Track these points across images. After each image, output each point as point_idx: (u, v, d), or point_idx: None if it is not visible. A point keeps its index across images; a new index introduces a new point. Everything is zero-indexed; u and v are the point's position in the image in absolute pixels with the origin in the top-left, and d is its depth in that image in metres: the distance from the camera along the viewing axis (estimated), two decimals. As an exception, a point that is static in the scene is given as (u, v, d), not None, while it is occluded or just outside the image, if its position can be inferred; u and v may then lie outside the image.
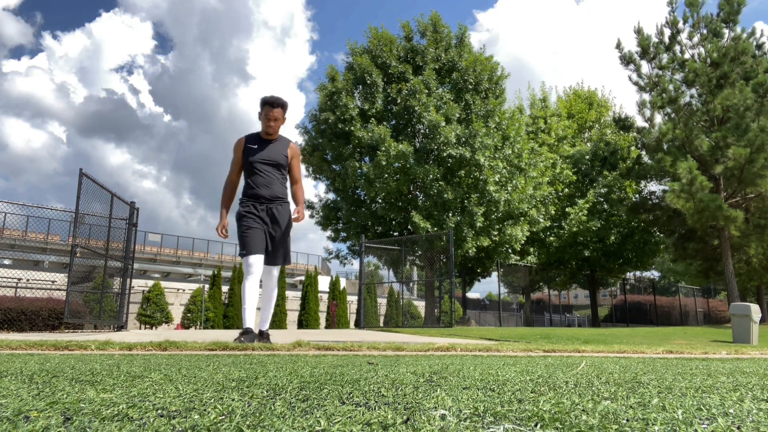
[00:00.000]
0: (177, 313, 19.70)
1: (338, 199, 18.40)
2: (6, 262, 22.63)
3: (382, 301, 21.40)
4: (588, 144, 25.65)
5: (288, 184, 4.39)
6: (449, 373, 1.30)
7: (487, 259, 19.19)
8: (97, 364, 1.63)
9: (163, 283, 20.74)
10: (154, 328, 17.79)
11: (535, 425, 0.58)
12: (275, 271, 4.23)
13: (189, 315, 18.70)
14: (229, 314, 18.36)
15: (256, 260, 3.99)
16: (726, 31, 18.45)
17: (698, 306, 30.44)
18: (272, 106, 4.15)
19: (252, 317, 4.05)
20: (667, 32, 19.30)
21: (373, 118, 16.65)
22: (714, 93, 17.62)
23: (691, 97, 19.05)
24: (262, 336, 4.19)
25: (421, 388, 0.91)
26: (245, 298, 4.01)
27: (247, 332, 3.99)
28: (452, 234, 13.29)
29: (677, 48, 19.26)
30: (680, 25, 19.13)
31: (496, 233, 17.19)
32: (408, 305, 20.97)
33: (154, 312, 18.48)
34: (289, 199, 4.44)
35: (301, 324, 19.20)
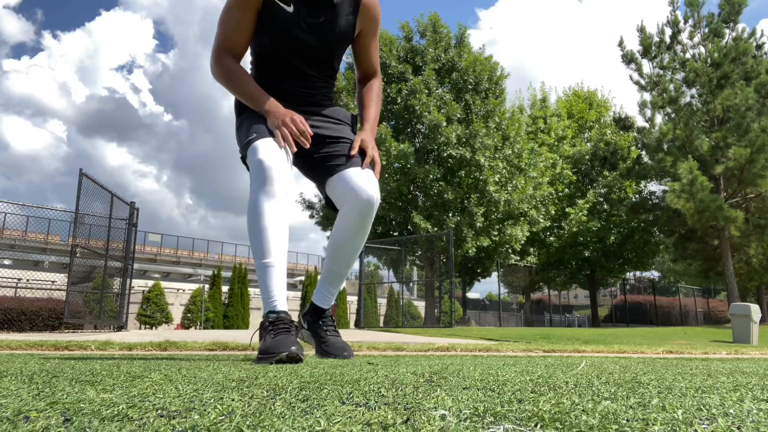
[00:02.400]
0: (177, 313, 19.71)
1: (338, 199, 18.39)
2: (6, 262, 22.64)
3: (382, 301, 21.41)
4: (588, 144, 25.66)
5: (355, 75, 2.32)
6: (449, 373, 1.30)
7: (487, 259, 19.19)
8: (97, 364, 1.63)
9: (163, 283, 20.76)
10: (154, 328, 17.80)
11: (535, 425, 0.58)
12: (364, 181, 1.97)
13: (189, 315, 18.72)
14: (228, 314, 18.37)
15: (275, 155, 1.86)
16: (726, 31, 18.46)
17: (698, 306, 30.45)
18: None
19: (283, 287, 1.86)
20: (668, 32, 19.32)
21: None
22: (714, 93, 17.63)
23: (692, 97, 19.06)
24: (318, 319, 2.14)
25: (421, 388, 0.91)
26: (264, 236, 1.83)
27: (278, 325, 1.79)
28: (452, 234, 13.29)
29: (678, 48, 19.27)
30: (681, 24, 19.14)
31: (496, 233, 17.20)
32: (408, 305, 20.97)
33: (154, 312, 18.50)
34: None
35: (301, 324, 19.19)
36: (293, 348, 1.70)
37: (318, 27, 1.99)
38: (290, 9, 1.95)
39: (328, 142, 2.06)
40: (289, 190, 1.96)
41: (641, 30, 19.36)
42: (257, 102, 1.96)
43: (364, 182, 1.98)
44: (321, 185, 2.12)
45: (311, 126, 2.02)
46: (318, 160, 2.05)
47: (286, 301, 1.90)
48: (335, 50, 2.07)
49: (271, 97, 1.97)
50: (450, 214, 16.51)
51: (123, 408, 0.67)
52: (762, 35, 19.07)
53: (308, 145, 1.91)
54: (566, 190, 22.75)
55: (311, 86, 2.10)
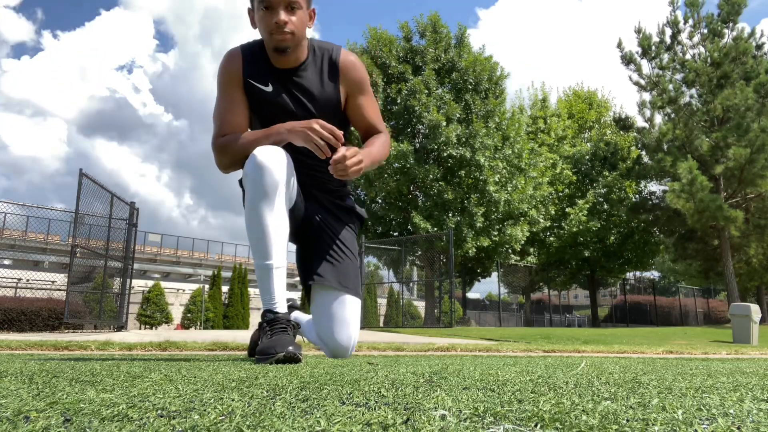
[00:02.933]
0: (177, 313, 19.71)
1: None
2: (6, 262, 22.64)
3: (382, 301, 21.43)
4: (588, 144, 25.66)
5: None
6: (449, 373, 1.30)
7: (487, 259, 19.19)
8: (97, 364, 1.63)
9: (163, 284, 20.75)
10: (154, 328, 17.80)
11: (535, 425, 0.58)
12: (339, 305, 2.00)
13: (189, 315, 18.71)
14: (229, 314, 18.37)
15: (270, 156, 1.77)
16: (726, 31, 18.47)
17: (698, 306, 30.44)
18: None
19: (283, 288, 1.85)
20: (668, 32, 19.32)
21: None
22: (714, 93, 17.63)
23: (691, 97, 19.06)
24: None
25: (421, 389, 0.91)
26: (263, 236, 1.79)
27: (275, 325, 1.78)
28: (452, 234, 13.29)
29: (678, 48, 19.27)
30: (681, 24, 19.14)
31: (496, 233, 17.20)
32: (408, 305, 20.98)
33: (154, 312, 18.49)
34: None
35: (301, 324, 19.18)
36: (290, 348, 1.69)
37: (300, 104, 1.93)
38: (269, 89, 1.92)
39: (319, 240, 2.04)
40: (291, 188, 1.88)
41: (639, 31, 19.36)
42: (271, 135, 1.84)
43: (339, 332, 1.95)
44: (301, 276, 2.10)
45: (310, 215, 2.03)
46: (302, 252, 2.05)
47: (285, 302, 1.89)
48: (329, 112, 1.97)
49: (276, 124, 1.87)
50: (450, 214, 16.51)
51: (123, 408, 0.67)
52: (762, 35, 19.07)
53: (341, 145, 1.78)
54: (566, 190, 22.74)
55: (314, 169, 2.01)
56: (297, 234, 2.05)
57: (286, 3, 1.80)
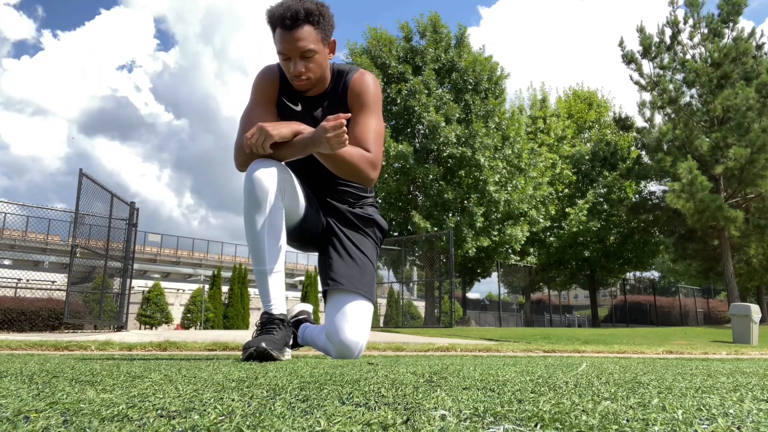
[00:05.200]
0: (177, 313, 19.70)
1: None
2: (6, 262, 22.63)
3: (382, 301, 21.42)
4: (588, 144, 25.66)
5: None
6: (449, 373, 1.30)
7: (487, 259, 19.19)
8: (97, 364, 1.63)
9: (163, 284, 20.74)
10: (154, 328, 17.79)
11: (535, 425, 0.58)
12: (349, 305, 1.99)
13: (189, 315, 18.71)
14: (228, 314, 18.36)
15: (265, 170, 1.84)
16: (726, 31, 18.46)
17: (698, 306, 30.43)
18: (287, 27, 1.87)
19: (280, 290, 1.92)
20: (668, 32, 19.32)
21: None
22: (714, 93, 17.63)
23: (692, 97, 19.05)
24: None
25: (421, 389, 0.91)
26: (260, 243, 1.88)
27: (265, 325, 1.87)
28: (452, 234, 13.30)
29: (678, 48, 19.27)
30: (681, 25, 19.13)
31: (496, 233, 17.20)
32: (408, 305, 20.96)
33: (154, 312, 18.48)
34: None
35: (301, 324, 19.15)
36: (263, 344, 1.74)
37: (324, 114, 2.02)
38: (298, 108, 2.05)
39: (336, 248, 2.08)
40: (294, 199, 1.95)
41: (641, 30, 19.36)
42: (293, 146, 1.88)
43: (346, 330, 1.95)
44: (320, 275, 2.17)
45: (328, 225, 2.11)
46: (322, 260, 2.12)
47: (284, 302, 1.93)
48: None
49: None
50: (450, 214, 16.51)
51: (123, 408, 0.67)
52: (762, 35, 19.07)
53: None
54: (566, 190, 22.74)
55: (334, 183, 2.11)
56: (316, 243, 2.15)
57: (300, 53, 1.89)
